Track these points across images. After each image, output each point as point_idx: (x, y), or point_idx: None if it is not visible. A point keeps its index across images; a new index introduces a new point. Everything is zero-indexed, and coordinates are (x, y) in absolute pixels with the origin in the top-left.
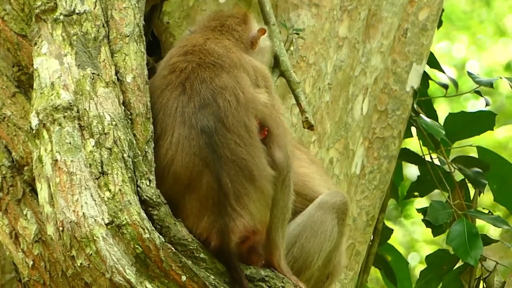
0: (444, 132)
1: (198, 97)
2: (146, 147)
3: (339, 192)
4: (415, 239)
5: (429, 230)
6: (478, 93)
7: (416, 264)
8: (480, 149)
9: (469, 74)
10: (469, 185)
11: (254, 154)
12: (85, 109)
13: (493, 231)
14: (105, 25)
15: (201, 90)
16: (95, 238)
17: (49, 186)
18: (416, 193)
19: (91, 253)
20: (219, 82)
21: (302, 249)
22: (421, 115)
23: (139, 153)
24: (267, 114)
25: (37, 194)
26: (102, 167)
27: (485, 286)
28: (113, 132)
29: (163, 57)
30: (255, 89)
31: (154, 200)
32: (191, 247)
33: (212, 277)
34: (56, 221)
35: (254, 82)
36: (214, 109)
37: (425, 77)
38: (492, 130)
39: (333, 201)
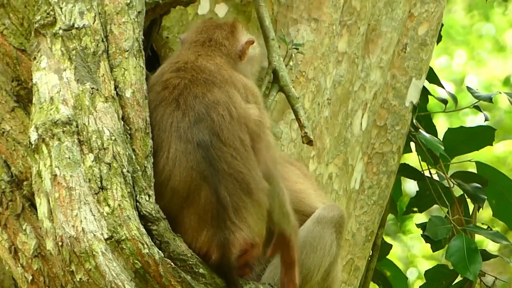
0: (443, 147)
1: (192, 112)
2: (145, 162)
3: (335, 206)
4: (413, 255)
5: (428, 245)
6: (477, 108)
7: (415, 280)
8: (479, 164)
9: (468, 89)
10: (468, 200)
11: (250, 167)
12: (84, 124)
13: (492, 246)
14: (104, 40)
15: (195, 105)
16: (94, 253)
17: (48, 201)
18: (415, 209)
19: (91, 268)
20: (211, 97)
21: (302, 265)
22: (420, 130)
23: (138, 168)
24: (255, 130)
25: (36, 209)
26: (101, 182)
27: None
28: (112, 147)
29: None
30: (246, 104)
31: (153, 215)
32: (190, 262)
33: None
34: (56, 236)
35: (244, 98)
36: (208, 123)
37: (425, 92)
38: (491, 145)
39: (331, 215)
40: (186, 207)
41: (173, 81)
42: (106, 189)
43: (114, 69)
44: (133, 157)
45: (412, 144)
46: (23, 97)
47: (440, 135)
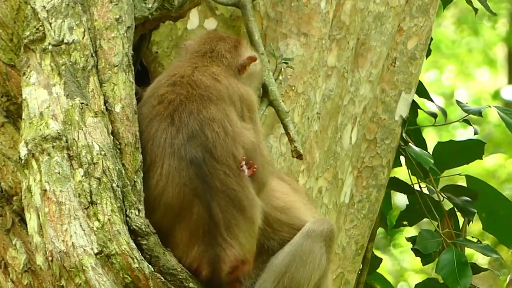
0: (433, 161)
1: (186, 129)
2: (135, 176)
3: (325, 220)
4: (404, 268)
5: (418, 259)
6: (467, 121)
7: None
8: (469, 178)
9: (458, 102)
10: (458, 214)
11: (243, 185)
12: (74, 139)
13: (482, 260)
14: (93, 55)
15: (189, 122)
16: (84, 268)
17: (38, 216)
18: (405, 222)
19: (81, 283)
20: (206, 114)
21: (292, 279)
22: (410, 144)
23: (128, 182)
24: (252, 151)
25: (26, 224)
26: (91, 197)
27: None
28: (102, 162)
29: None
30: (241, 123)
31: (143, 229)
32: (180, 277)
33: None
34: (45, 251)
35: (240, 114)
36: (202, 140)
37: (414, 106)
38: (481, 158)
39: (321, 229)
40: (178, 222)
41: (168, 96)
42: (96, 204)
43: (103, 84)
44: (123, 171)
45: (402, 158)
46: (13, 112)
47: (430, 149)
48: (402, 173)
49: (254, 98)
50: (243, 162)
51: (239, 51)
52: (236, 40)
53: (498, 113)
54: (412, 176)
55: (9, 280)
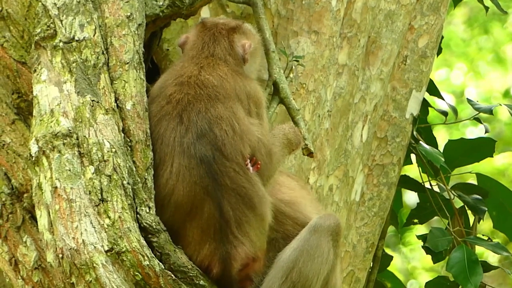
0: (443, 159)
1: (195, 128)
2: (146, 174)
3: (331, 215)
4: (414, 266)
5: (428, 257)
6: (478, 120)
7: None
8: (479, 176)
9: (469, 100)
10: (469, 212)
11: (253, 182)
12: (84, 136)
13: (492, 258)
14: (104, 52)
15: (197, 121)
16: (94, 265)
17: (48, 213)
18: (415, 220)
19: (91, 280)
20: (214, 112)
21: (301, 274)
22: (420, 142)
23: (139, 180)
24: (257, 147)
25: (36, 221)
26: (101, 194)
27: None
28: (113, 159)
29: None
30: (249, 119)
31: (154, 227)
32: (191, 274)
33: None
34: (56, 248)
35: (247, 110)
36: (211, 138)
37: (425, 104)
38: (492, 156)
39: (327, 224)
40: (189, 221)
41: (176, 95)
42: (107, 201)
43: (114, 82)
44: (134, 169)
45: (413, 156)
46: (24, 109)
47: (441, 147)
48: (412, 171)
49: (261, 95)
50: (248, 160)
51: (235, 44)
52: (228, 33)
53: (509, 111)
54: (422, 174)
55: (20, 277)
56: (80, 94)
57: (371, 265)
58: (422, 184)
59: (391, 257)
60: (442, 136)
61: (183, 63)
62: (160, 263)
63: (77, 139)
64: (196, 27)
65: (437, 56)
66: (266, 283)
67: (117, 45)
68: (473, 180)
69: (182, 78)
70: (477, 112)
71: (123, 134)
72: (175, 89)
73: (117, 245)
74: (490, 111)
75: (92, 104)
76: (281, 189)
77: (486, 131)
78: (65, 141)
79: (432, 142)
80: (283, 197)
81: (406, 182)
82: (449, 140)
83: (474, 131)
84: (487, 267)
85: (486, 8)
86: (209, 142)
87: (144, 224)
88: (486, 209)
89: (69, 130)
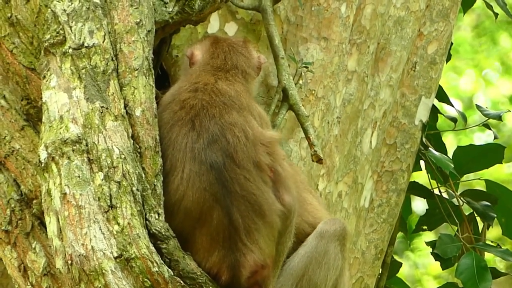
0: (452, 166)
1: (206, 134)
2: (155, 180)
3: (336, 219)
4: (422, 273)
5: (436, 263)
6: (487, 126)
7: None
8: (488, 182)
9: (478, 107)
10: (478, 218)
11: (263, 189)
12: (94, 142)
13: (500, 264)
14: (114, 59)
15: (209, 127)
16: (104, 271)
17: (58, 219)
18: (424, 227)
19: (100, 287)
20: (228, 118)
21: (310, 281)
22: (429, 148)
23: (148, 186)
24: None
25: (45, 228)
26: (111, 201)
27: None
28: (122, 165)
29: None
30: (262, 130)
31: (163, 233)
32: (200, 281)
33: None
34: (65, 255)
35: (259, 124)
36: (223, 145)
37: (434, 111)
38: (501, 163)
39: (333, 229)
40: (198, 227)
41: (190, 101)
42: (116, 208)
43: (123, 88)
44: (143, 175)
45: (422, 162)
46: (33, 115)
47: (450, 153)
48: (422, 177)
49: (268, 119)
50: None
51: (252, 60)
52: (247, 51)
53: None
54: (431, 181)
55: (29, 284)
56: (89, 101)
57: (380, 272)
58: (431, 190)
59: (400, 264)
60: (450, 142)
61: (199, 73)
62: (169, 270)
63: (86, 145)
64: (205, 40)
65: (447, 62)
66: None
67: (126, 52)
68: (482, 187)
69: (197, 85)
70: (486, 119)
71: (132, 141)
72: (189, 95)
73: (126, 252)
74: (499, 117)
75: (101, 111)
76: (307, 208)
77: (495, 137)
78: (74, 147)
79: (441, 148)
80: (307, 218)
81: (415, 189)
82: (458, 146)
83: (481, 137)
84: (496, 273)
85: (496, 15)
86: (220, 148)
87: (153, 230)
88: (495, 215)
89: (78, 136)
